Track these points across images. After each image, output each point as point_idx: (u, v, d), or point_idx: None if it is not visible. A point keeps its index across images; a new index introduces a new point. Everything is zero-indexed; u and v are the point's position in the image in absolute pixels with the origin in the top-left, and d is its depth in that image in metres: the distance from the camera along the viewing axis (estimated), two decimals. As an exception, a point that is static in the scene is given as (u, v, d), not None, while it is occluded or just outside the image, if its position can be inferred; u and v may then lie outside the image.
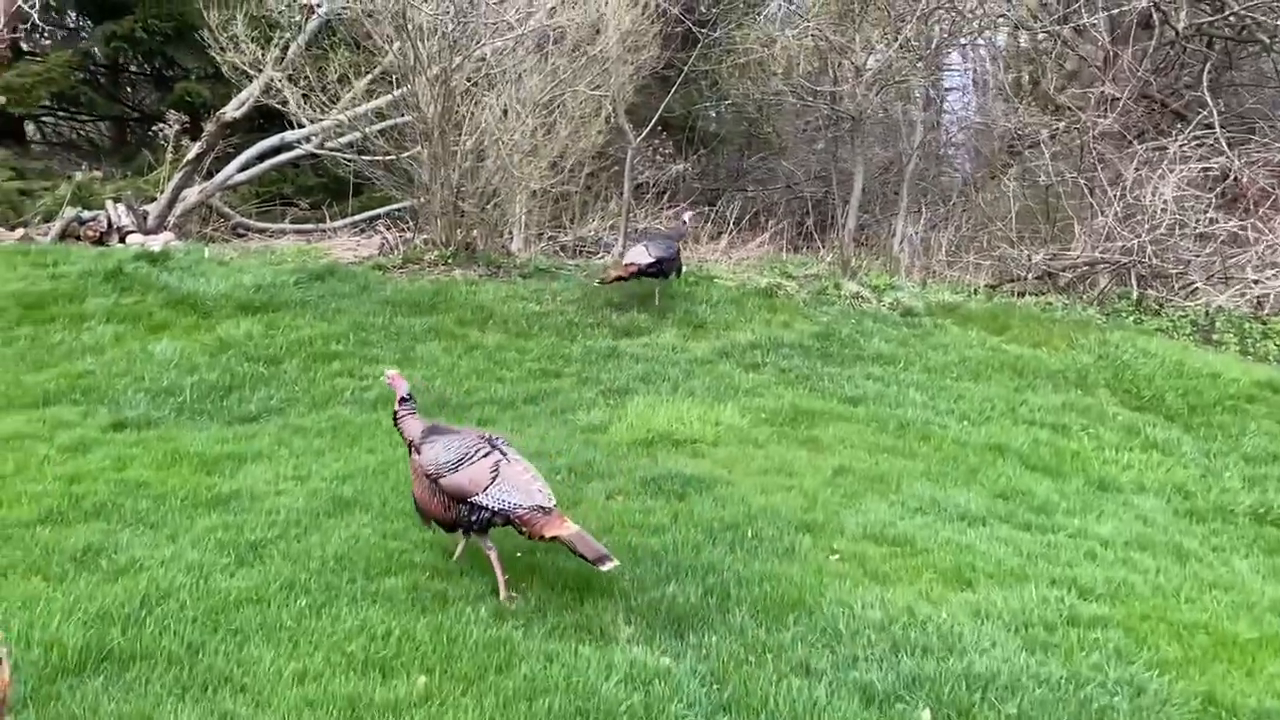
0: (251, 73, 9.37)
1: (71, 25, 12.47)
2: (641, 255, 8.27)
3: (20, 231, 10.13)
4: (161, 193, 10.75)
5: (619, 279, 8.32)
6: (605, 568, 3.88)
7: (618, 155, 12.76)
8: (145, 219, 10.62)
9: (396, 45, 8.62)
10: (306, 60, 9.41)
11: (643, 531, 4.57)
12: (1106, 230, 10.87)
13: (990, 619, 4.06)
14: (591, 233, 13.53)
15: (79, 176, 11.50)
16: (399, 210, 11.67)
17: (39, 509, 4.50)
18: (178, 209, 11.22)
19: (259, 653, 3.50)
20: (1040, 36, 14.37)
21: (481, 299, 8.33)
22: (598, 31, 8.90)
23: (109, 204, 10.59)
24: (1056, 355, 8.28)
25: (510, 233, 11.91)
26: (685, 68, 11.62)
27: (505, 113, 8.92)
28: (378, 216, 11.82)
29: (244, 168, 11.53)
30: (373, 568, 4.17)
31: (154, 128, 11.32)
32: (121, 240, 10.34)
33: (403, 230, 10.24)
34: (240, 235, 11.82)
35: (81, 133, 14.20)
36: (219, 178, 11.44)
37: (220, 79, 10.67)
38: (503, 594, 4.01)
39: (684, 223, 9.45)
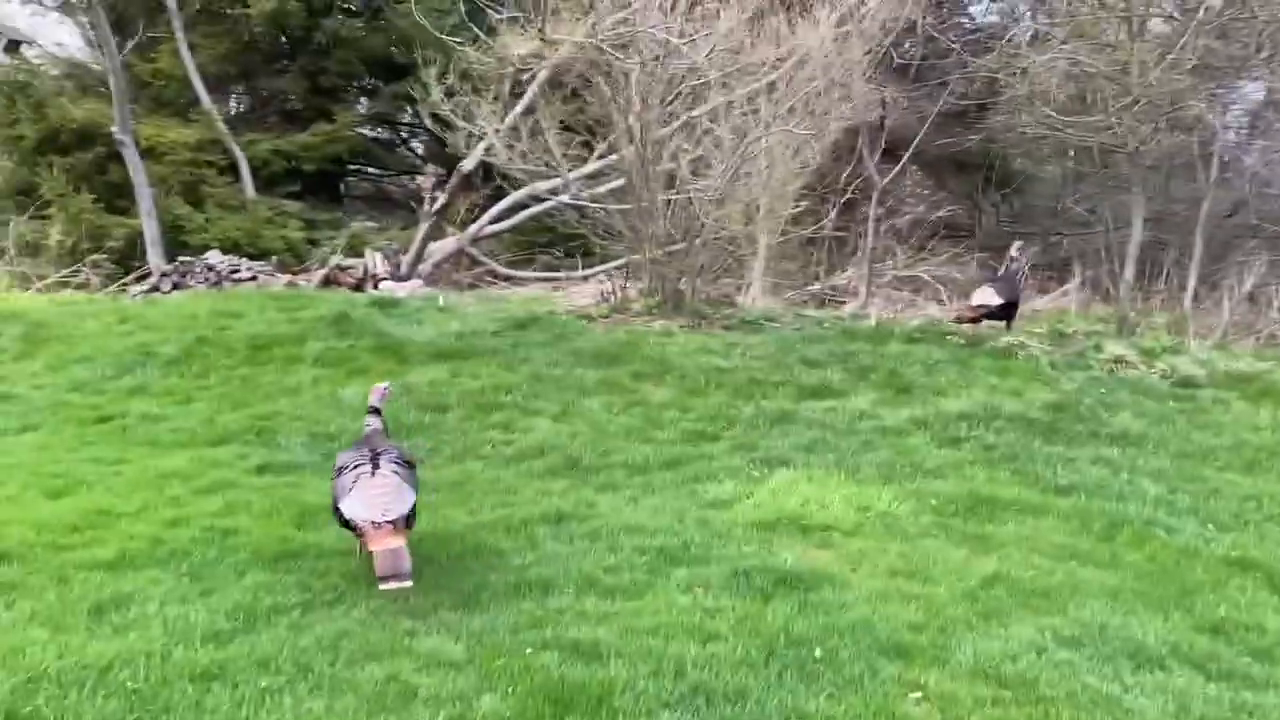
0: (473, 129, 9.58)
1: (367, 86, 13.65)
2: (991, 297, 8.05)
3: (286, 277, 11.04)
4: (413, 242, 11.30)
5: (971, 320, 8.14)
6: (382, 586, 3.93)
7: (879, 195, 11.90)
8: (398, 267, 11.23)
9: (601, 98, 8.45)
10: (529, 117, 9.47)
11: (692, 636, 3.87)
12: None
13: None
14: (847, 280, 12.73)
15: (355, 227, 12.44)
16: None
17: (116, 550, 4.58)
18: (433, 257, 11.81)
19: None
20: None
21: (668, 351, 7.87)
22: (801, 64, 8.21)
23: (368, 253, 11.30)
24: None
25: (747, 282, 11.42)
26: (940, 102, 10.58)
27: (702, 160, 8.46)
28: (621, 266, 11.76)
29: (498, 219, 11.90)
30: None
31: (415, 181, 11.98)
32: (375, 286, 10.98)
33: (625, 280, 10.06)
34: (492, 282, 12.21)
35: (382, 186, 15.44)
36: (473, 228, 11.90)
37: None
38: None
39: (1013, 259, 8.67)
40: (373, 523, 4.06)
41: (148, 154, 12.24)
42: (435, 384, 7.42)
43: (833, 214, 12.55)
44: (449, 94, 9.09)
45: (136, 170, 11.46)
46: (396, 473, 4.31)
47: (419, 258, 11.29)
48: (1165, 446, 6.52)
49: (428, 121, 9.81)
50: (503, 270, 12.32)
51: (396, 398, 7.13)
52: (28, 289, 11.67)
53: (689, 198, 8.50)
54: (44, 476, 5.72)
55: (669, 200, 8.69)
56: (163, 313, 9.65)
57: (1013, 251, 8.62)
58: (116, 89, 11.08)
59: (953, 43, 10.80)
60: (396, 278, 11.15)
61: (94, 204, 11.99)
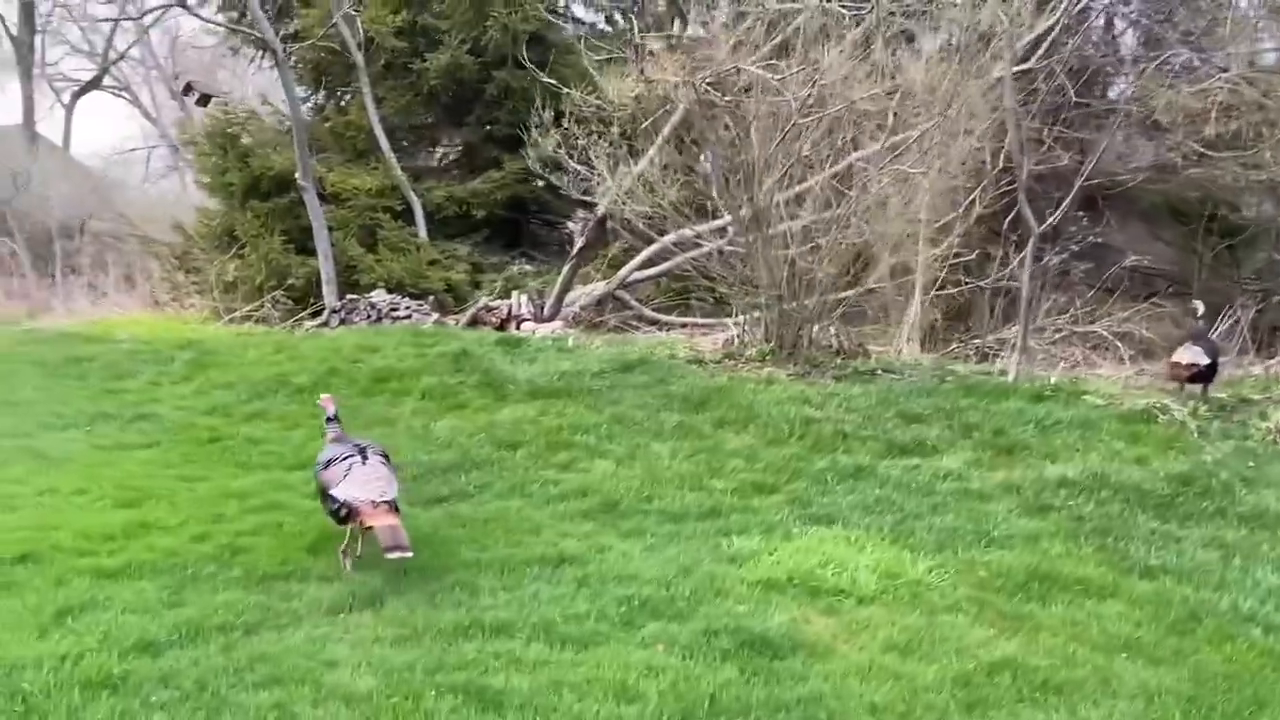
0: (596, 175, 9.61)
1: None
2: (1199, 356, 7.61)
3: (436, 316, 11.47)
4: (555, 285, 11.48)
5: (1185, 379, 7.69)
6: (390, 555, 4.40)
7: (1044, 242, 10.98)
8: (541, 309, 11.43)
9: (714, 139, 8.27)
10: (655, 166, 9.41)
11: (615, 695, 3.57)
12: None
13: None
14: (1013, 336, 11.81)
15: (513, 270, 12.81)
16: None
17: (125, 560, 4.80)
18: (581, 300, 11.95)
19: None
20: None
21: (760, 399, 7.51)
22: (908, 98, 7.68)
23: (514, 294, 11.58)
24: None
25: (900, 332, 10.84)
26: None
27: (810, 202, 8.08)
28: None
29: (649, 264, 11.88)
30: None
31: (568, 226, 12.20)
32: (517, 327, 11.22)
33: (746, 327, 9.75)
34: (637, 326, 12.18)
35: (559, 230, 15.85)
36: (621, 272, 11.94)
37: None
38: (347, 568, 4.69)
39: (1198, 317, 8.06)
40: (372, 502, 4.57)
41: (333, 199, 13.15)
42: (518, 421, 7.43)
43: (1014, 261, 11.70)
44: (565, 140, 9.21)
45: (315, 214, 12.32)
46: (384, 464, 4.87)
47: (560, 299, 11.44)
48: (1309, 531, 5.54)
49: (570, 167, 9.89)
50: (650, 314, 12.28)
51: (474, 434, 7.24)
52: (222, 322, 12.78)
53: (790, 242, 8.14)
54: (125, 489, 6.12)
55: (783, 245, 8.36)
56: (314, 346, 10.26)
57: (1197, 310, 7.83)
58: (298, 140, 11.99)
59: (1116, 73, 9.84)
60: (539, 319, 11.35)
61: (283, 245, 12.98)
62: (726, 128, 8.04)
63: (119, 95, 32.99)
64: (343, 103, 14.31)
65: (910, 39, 7.81)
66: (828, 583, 4.65)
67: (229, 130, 13.75)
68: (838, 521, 5.50)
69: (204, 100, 14.85)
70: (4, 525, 5.33)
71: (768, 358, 8.65)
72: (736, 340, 9.27)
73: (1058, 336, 11.81)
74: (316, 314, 12.25)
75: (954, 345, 11.60)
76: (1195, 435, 6.96)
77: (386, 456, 4.95)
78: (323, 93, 14.85)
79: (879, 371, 8.38)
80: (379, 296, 11.89)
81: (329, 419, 5.22)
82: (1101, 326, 11.50)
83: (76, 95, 30.59)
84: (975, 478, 6.17)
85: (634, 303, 12.41)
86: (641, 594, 4.47)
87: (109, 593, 4.34)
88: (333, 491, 4.67)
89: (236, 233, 13.42)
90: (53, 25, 29.91)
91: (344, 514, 4.64)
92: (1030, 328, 10.97)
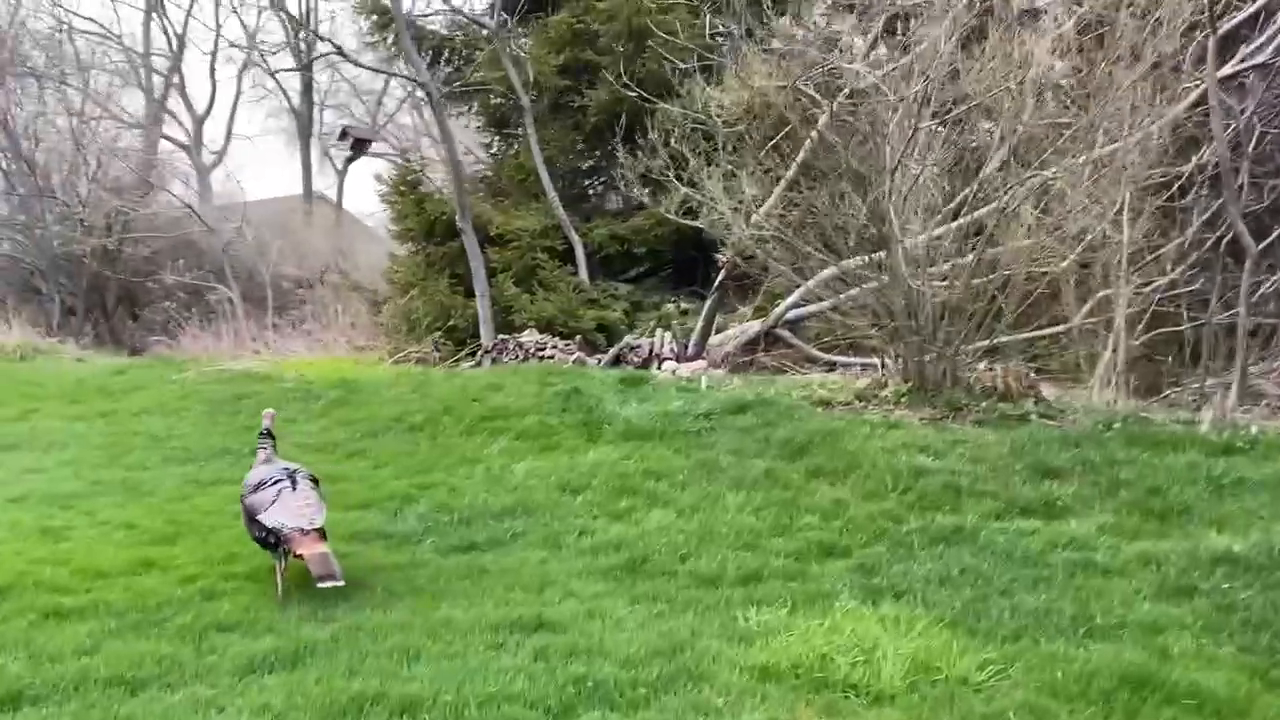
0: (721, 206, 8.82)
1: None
2: None
3: (578, 355, 11.06)
4: (701, 322, 10.79)
5: None
6: (322, 585, 4.29)
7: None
8: (685, 347, 10.77)
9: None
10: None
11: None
12: None
13: None
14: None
15: (667, 308, 12.24)
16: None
17: (119, 592, 4.57)
18: (737, 338, 11.18)
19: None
20: None
21: (870, 446, 6.48)
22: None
23: (658, 332, 11.00)
24: None
25: (1100, 376, 9.37)
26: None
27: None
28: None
29: (807, 300, 10.96)
30: None
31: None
32: (659, 366, 10.61)
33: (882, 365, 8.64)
34: (795, 366, 11.24)
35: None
36: (779, 309, 11.09)
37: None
38: (279, 595, 4.50)
39: None
40: (301, 530, 4.45)
41: (497, 241, 13.14)
42: (598, 464, 6.81)
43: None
44: (674, 163, 8.53)
45: (474, 255, 12.30)
46: (313, 489, 4.79)
47: (705, 338, 10.72)
48: None
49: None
50: (812, 353, 11.29)
51: (548, 476, 6.67)
52: (390, 362, 13.00)
53: (929, 266, 7.06)
54: (178, 523, 6.02)
55: (923, 271, 7.29)
56: (449, 386, 10.09)
57: None
58: (455, 183, 12.05)
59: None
60: (682, 358, 10.70)
61: (450, 287, 13.08)
62: (843, 135, 7.11)
63: (390, 157, 35.51)
64: (514, 146, 14.36)
65: (1034, 16, 6.59)
66: (839, 674, 3.68)
67: (409, 178, 14.09)
68: (903, 596, 4.46)
69: (359, 145, 15.38)
70: (27, 555, 5.29)
71: (903, 399, 7.55)
72: (875, 381, 8.20)
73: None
74: (474, 354, 12.18)
75: (1168, 391, 9.92)
76: None
77: (316, 481, 4.89)
78: (499, 138, 14.99)
79: (1033, 417, 7.10)
80: (528, 336, 11.65)
81: (262, 434, 5.13)
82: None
83: (349, 160, 33.01)
84: (1104, 548, 4.91)
85: (795, 341, 11.48)
86: (600, 675, 3.69)
87: (37, 635, 4.08)
88: (260, 517, 4.54)
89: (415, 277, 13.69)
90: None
91: (272, 541, 4.52)
92: (1250, 368, 9.23)
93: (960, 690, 3.58)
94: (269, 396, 10.55)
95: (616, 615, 4.33)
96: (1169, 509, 5.32)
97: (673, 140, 8.87)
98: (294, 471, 4.81)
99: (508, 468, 7.06)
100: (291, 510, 4.52)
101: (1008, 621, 4.16)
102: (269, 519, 4.50)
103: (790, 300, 10.93)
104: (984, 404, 7.32)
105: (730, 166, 8.26)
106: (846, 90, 6.90)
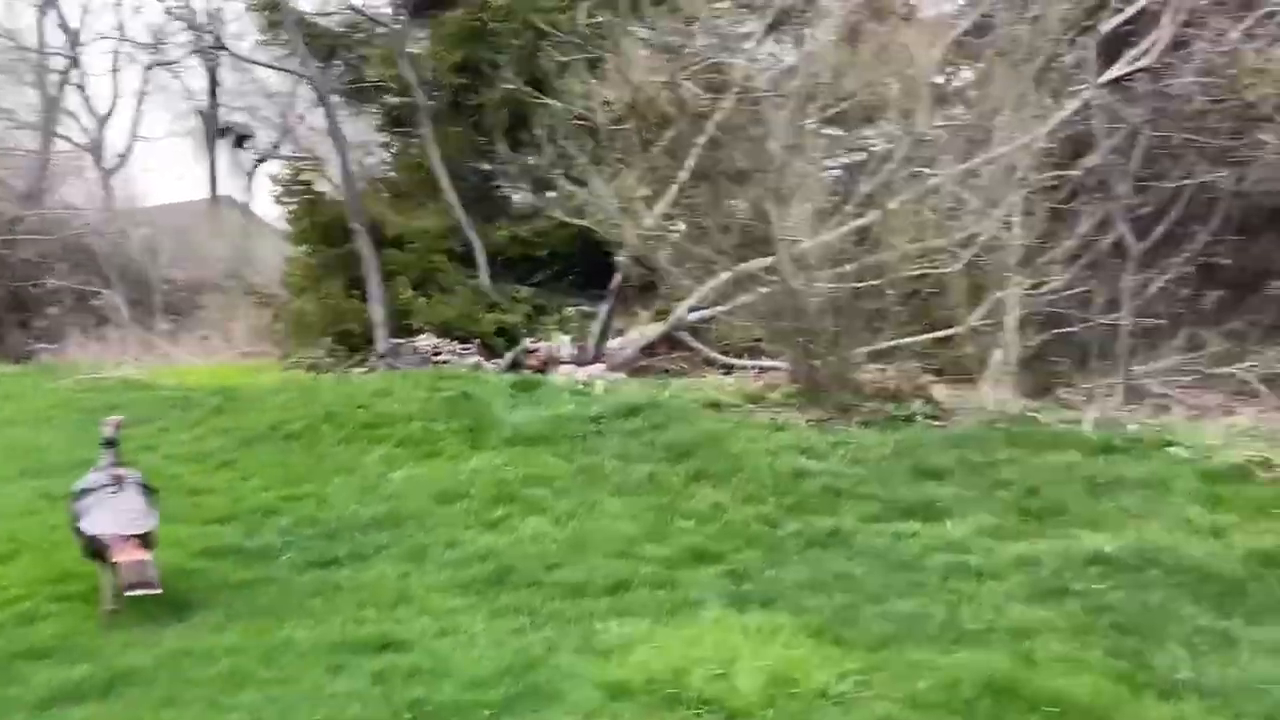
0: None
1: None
2: None
3: (477, 359, 10.77)
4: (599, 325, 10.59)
5: None
6: (131, 593, 4.04)
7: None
8: (584, 351, 10.56)
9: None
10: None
11: None
12: None
13: None
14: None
15: (572, 311, 12.02)
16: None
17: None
18: (637, 341, 11.01)
19: None
20: None
21: (754, 449, 6.33)
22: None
23: (556, 336, 10.78)
24: None
25: (987, 375, 9.37)
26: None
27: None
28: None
29: (705, 304, 10.81)
30: None
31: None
32: (557, 369, 10.38)
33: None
34: (704, 369, 11.09)
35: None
36: (678, 311, 10.93)
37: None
38: (106, 606, 4.21)
39: None
40: (120, 535, 4.17)
41: (395, 243, 12.76)
42: (479, 471, 6.54)
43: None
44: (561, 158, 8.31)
45: (368, 257, 11.95)
46: (141, 495, 4.49)
47: (602, 341, 10.52)
48: None
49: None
50: (715, 356, 11.17)
51: (426, 484, 6.39)
52: (283, 368, 12.54)
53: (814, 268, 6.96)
54: (18, 541, 5.52)
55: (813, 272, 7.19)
56: (336, 392, 9.64)
57: None
58: (346, 182, 11.69)
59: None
60: (581, 362, 10.48)
61: (344, 291, 12.67)
62: (731, 134, 6.97)
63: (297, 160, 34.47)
64: (414, 146, 13.97)
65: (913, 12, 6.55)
66: (694, 689, 3.49)
67: (300, 178, 13.64)
68: (771, 603, 4.30)
69: (240, 141, 14.88)
70: None
71: (793, 401, 7.45)
72: (768, 383, 8.09)
73: (1186, 381, 10.02)
74: (366, 359, 11.80)
75: (1059, 391, 10.00)
76: (1305, 499, 5.36)
77: (147, 487, 4.59)
78: (399, 138, 14.59)
79: (919, 418, 7.04)
80: (424, 341, 11.32)
81: (106, 441, 4.72)
82: (1243, 368, 9.62)
83: (258, 162, 31.96)
84: (981, 550, 4.82)
85: (696, 344, 11.34)
86: (441, 698, 3.45)
87: None
88: (81, 524, 4.30)
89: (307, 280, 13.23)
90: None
91: (93, 548, 4.26)
92: (1133, 368, 9.39)
93: (818, 703, 3.43)
94: (145, 405, 10.05)
95: (471, 631, 4.09)
96: (1046, 509, 5.27)
97: (559, 137, 8.62)
98: (123, 477, 4.53)
99: (384, 476, 6.74)
100: (112, 516, 4.25)
101: (876, 629, 4.03)
102: (89, 525, 4.24)
103: (689, 303, 10.78)
104: (870, 405, 7.25)
105: (621, 165, 8.05)
106: (735, 88, 6.75)
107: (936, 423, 6.96)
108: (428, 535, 5.47)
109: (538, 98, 10.35)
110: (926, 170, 6.72)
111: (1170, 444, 6.13)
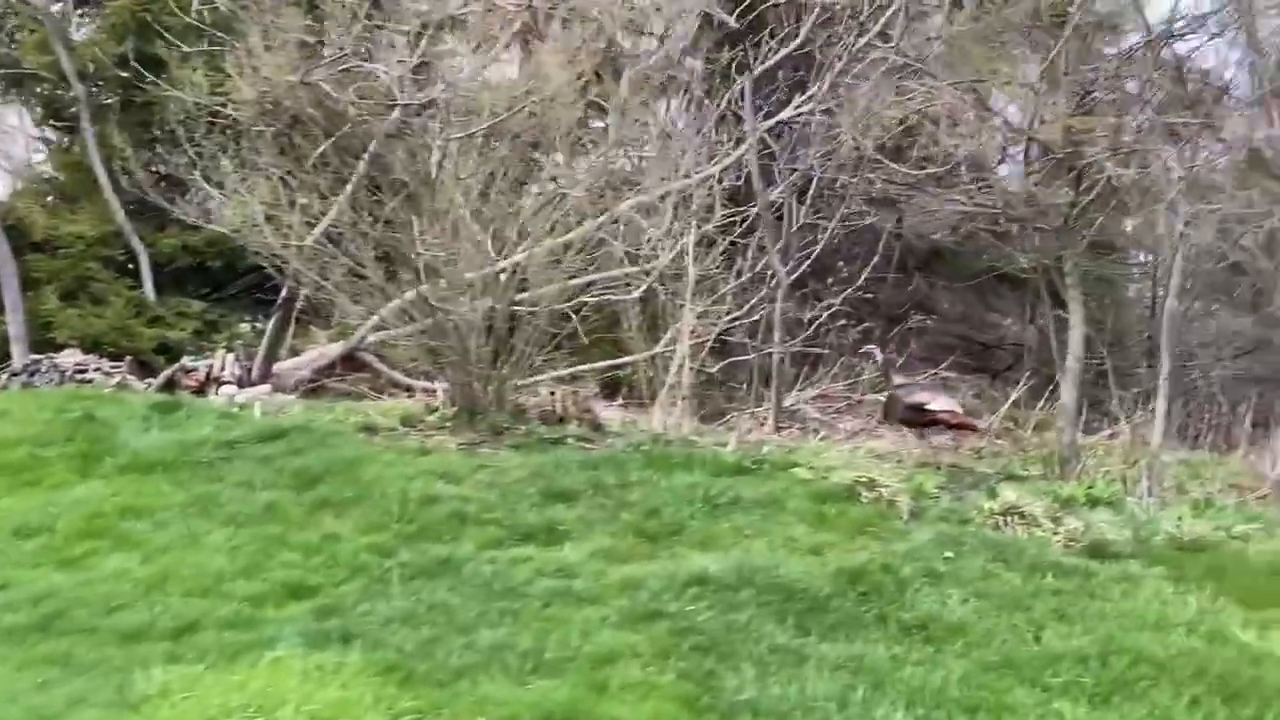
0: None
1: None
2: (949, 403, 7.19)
3: (126, 378, 9.82)
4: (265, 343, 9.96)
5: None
6: None
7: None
8: (250, 371, 9.88)
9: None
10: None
11: None
12: None
13: None
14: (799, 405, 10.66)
15: (244, 328, 11.27)
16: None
17: None
18: (313, 362, 10.44)
19: None
20: None
21: (390, 474, 6.00)
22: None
23: (219, 354, 10.04)
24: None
25: (658, 402, 9.49)
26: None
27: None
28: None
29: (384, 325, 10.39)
30: None
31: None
32: (216, 390, 9.65)
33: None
34: (382, 390, 10.66)
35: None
36: (361, 331, 10.46)
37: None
38: None
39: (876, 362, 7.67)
40: None
41: (43, 247, 11.52)
42: (77, 503, 5.85)
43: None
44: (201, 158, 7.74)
45: (3, 263, 10.68)
46: None
47: (270, 360, 9.91)
48: (985, 646, 4.23)
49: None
50: (397, 377, 10.78)
51: (9, 517, 5.64)
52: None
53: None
54: None
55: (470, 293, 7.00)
56: (-51, 412, 8.53)
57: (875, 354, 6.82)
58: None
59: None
60: (245, 382, 9.79)
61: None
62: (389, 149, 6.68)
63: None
64: (75, 143, 12.69)
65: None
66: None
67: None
68: (353, 640, 4.02)
69: None
70: None
71: (448, 424, 7.22)
72: (426, 405, 7.83)
73: (841, 406, 10.72)
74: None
75: (730, 416, 10.37)
76: (906, 517, 5.71)
77: None
78: (60, 133, 13.21)
79: (570, 440, 7.01)
80: (67, 357, 10.19)
81: None
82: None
83: None
84: (589, 573, 4.75)
85: (379, 365, 10.89)
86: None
87: None
88: None
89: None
90: None
91: None
92: (797, 391, 9.93)
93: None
94: None
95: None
96: (664, 530, 5.30)
97: (197, 135, 8.00)
98: None
99: (-28, 508, 5.92)
100: None
101: (455, 661, 3.84)
102: None
103: (370, 323, 10.35)
104: (527, 428, 7.15)
105: (276, 171, 7.56)
106: (386, 98, 6.47)
107: (588, 445, 6.94)
108: (-14, 576, 4.79)
109: (167, 90, 9.55)
110: (572, 194, 6.70)
111: (795, 465, 6.39)
